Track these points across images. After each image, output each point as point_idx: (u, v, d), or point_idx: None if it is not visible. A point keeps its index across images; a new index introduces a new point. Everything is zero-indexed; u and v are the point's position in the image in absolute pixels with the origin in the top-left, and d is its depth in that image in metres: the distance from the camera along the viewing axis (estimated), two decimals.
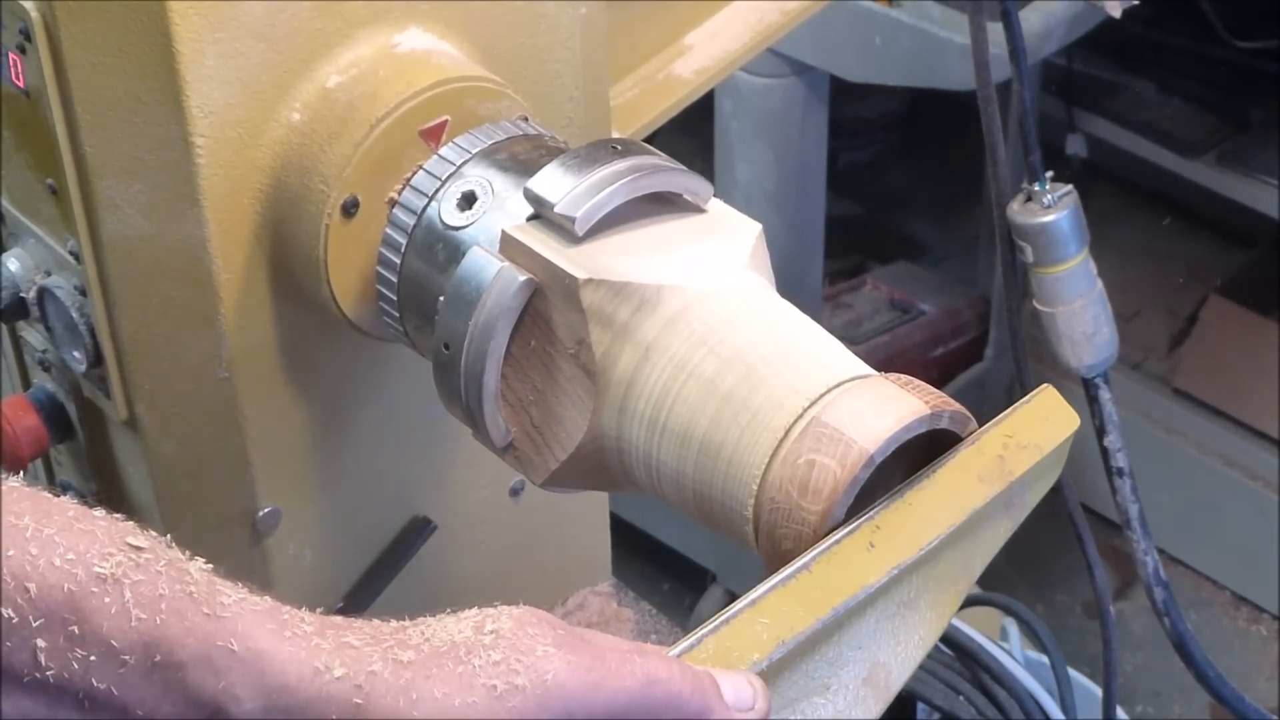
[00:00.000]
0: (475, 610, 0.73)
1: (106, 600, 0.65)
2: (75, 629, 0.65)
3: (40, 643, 0.65)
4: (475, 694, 0.70)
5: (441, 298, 0.92)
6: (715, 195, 0.94)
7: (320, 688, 0.68)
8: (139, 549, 0.67)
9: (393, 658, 0.70)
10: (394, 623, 0.73)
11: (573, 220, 0.88)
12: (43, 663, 0.65)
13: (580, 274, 0.87)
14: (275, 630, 0.69)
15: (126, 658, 0.66)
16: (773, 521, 0.81)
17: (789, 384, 0.83)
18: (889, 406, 0.81)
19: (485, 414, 0.91)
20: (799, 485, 0.80)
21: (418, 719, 0.69)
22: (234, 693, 0.67)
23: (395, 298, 0.98)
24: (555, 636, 0.72)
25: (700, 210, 0.93)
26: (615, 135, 1.20)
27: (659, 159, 0.92)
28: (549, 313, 0.88)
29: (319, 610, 0.72)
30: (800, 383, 0.83)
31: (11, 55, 0.99)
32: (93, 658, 0.65)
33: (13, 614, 0.64)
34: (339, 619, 0.71)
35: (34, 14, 0.96)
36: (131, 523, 0.69)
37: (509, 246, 0.90)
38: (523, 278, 0.88)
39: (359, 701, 0.68)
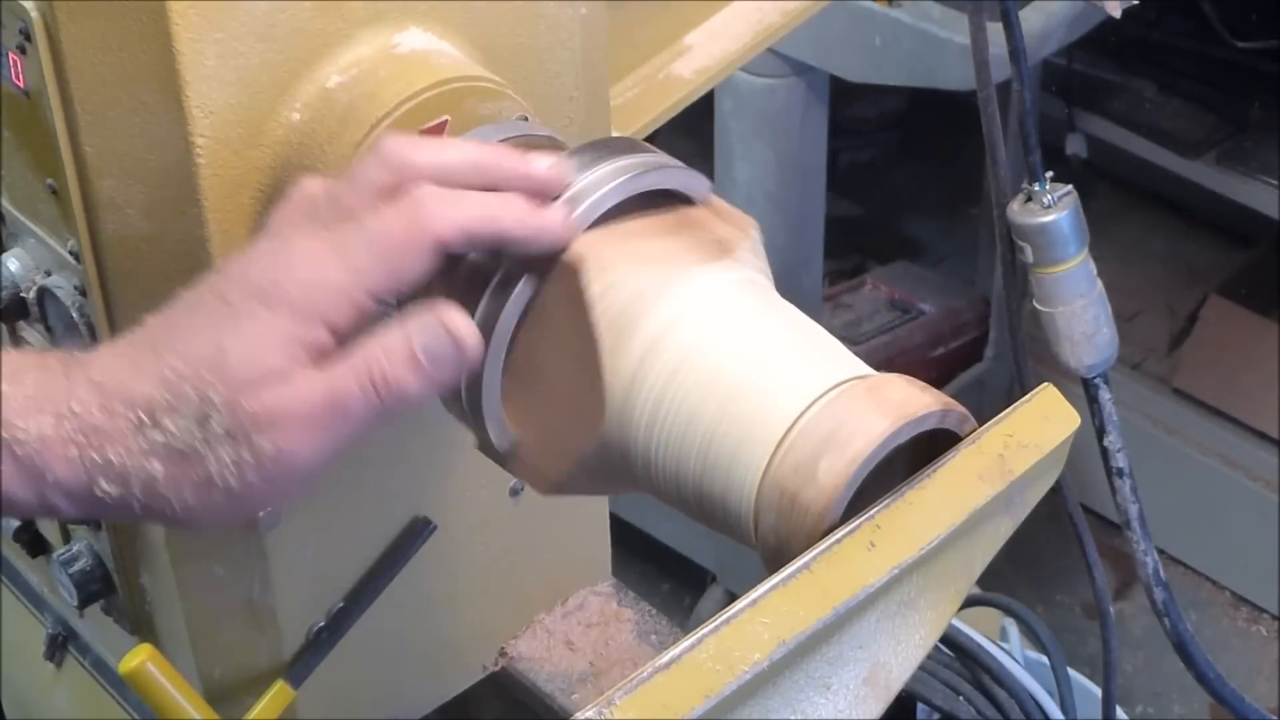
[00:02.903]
0: None
1: None
2: None
3: None
4: None
5: None
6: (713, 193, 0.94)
7: None
8: None
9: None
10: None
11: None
12: None
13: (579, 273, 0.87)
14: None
15: None
16: (773, 522, 0.81)
17: (788, 385, 0.83)
18: (887, 407, 0.81)
19: (486, 416, 0.91)
20: (798, 486, 0.80)
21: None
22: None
23: (395, 299, 0.98)
24: None
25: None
26: (615, 135, 1.20)
27: (658, 157, 0.92)
28: (550, 314, 0.88)
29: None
30: (799, 384, 0.83)
31: (11, 55, 0.99)
32: None
33: None
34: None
35: (34, 14, 0.96)
36: None
37: None
38: (522, 279, 0.88)
39: None
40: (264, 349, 0.82)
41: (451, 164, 0.87)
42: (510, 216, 0.86)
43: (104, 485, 0.82)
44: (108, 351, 0.85)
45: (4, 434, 0.81)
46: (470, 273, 0.89)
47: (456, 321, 0.85)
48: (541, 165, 0.88)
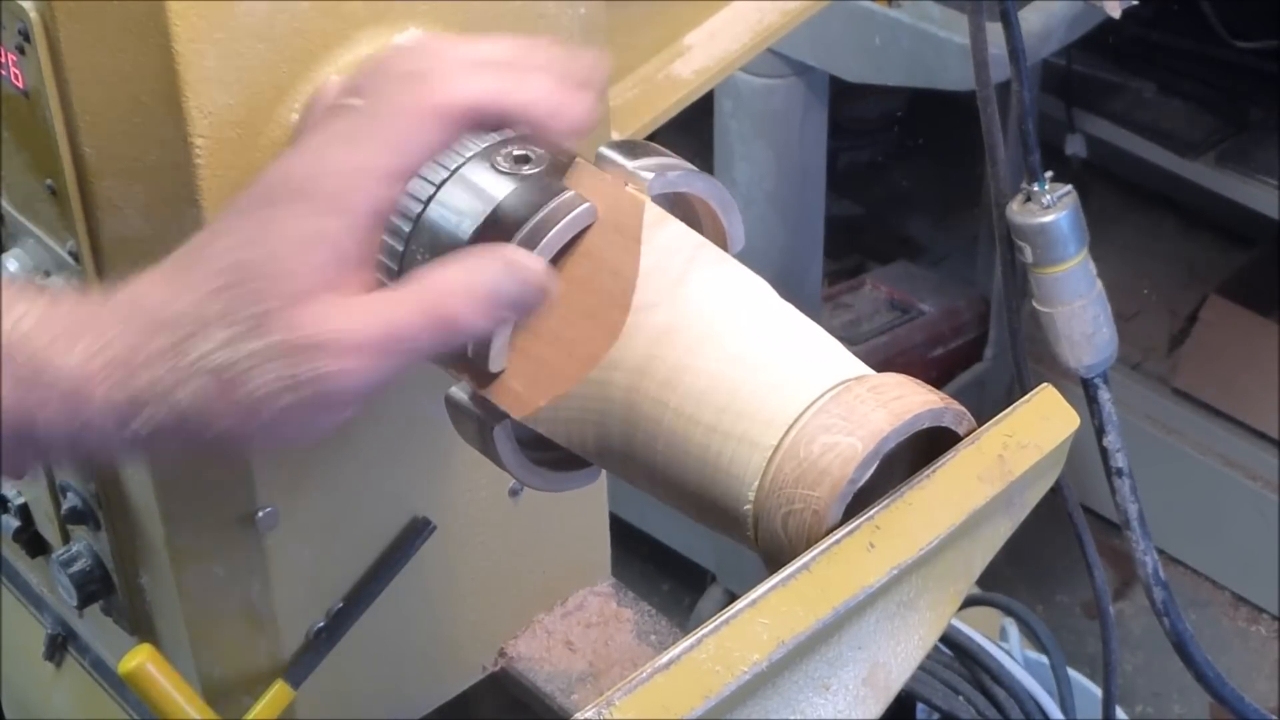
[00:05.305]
0: None
1: None
2: None
3: None
4: None
5: None
6: None
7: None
8: None
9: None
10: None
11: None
12: None
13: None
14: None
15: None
16: (772, 523, 0.81)
17: (787, 385, 0.83)
18: (886, 406, 0.81)
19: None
20: (798, 486, 0.80)
21: None
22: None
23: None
24: None
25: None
26: (615, 135, 1.20)
27: (675, 159, 0.92)
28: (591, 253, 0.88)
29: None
30: (798, 384, 0.83)
31: (11, 56, 0.99)
32: None
33: None
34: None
35: (33, 14, 0.96)
36: None
37: None
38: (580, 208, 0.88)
39: None
40: (313, 247, 0.81)
41: (483, 51, 0.88)
42: (526, 95, 0.86)
43: (145, 413, 0.80)
44: (151, 273, 0.83)
45: (44, 367, 0.79)
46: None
47: (518, 257, 0.84)
48: (581, 57, 0.88)
